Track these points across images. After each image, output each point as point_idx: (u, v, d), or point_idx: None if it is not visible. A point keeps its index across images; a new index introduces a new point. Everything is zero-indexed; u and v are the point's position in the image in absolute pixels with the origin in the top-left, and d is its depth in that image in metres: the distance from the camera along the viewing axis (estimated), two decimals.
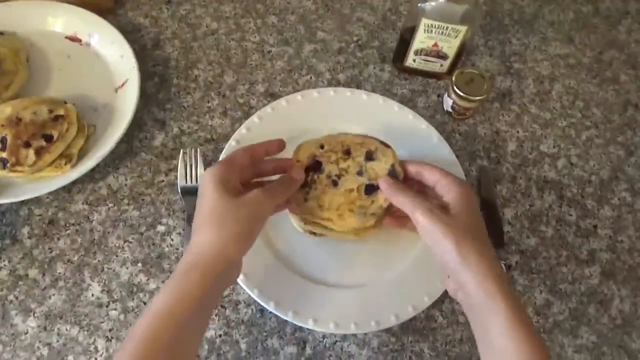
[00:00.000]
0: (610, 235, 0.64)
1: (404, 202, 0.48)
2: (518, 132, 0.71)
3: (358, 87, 0.72)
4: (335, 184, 0.55)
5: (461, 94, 0.65)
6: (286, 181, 0.51)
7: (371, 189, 0.54)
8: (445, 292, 0.57)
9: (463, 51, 0.68)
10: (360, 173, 0.55)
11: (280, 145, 0.53)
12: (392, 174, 0.54)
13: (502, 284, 0.42)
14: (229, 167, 0.47)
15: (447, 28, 0.63)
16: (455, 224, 0.44)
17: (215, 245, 0.42)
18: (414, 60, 0.70)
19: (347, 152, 0.56)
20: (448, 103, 0.68)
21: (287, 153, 0.64)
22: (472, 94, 0.64)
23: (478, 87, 0.65)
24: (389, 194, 0.51)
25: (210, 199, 0.44)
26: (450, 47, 0.66)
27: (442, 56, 0.68)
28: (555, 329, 0.58)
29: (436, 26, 0.64)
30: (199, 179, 0.61)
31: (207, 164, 0.63)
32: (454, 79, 0.65)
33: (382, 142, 0.58)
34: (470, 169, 0.67)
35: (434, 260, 0.58)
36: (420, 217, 0.45)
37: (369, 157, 0.56)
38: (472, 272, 0.42)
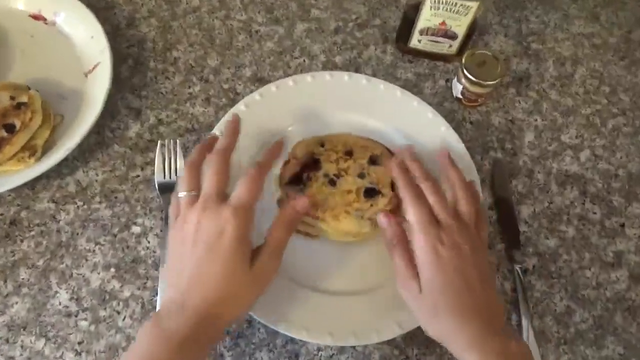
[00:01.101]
0: (639, 235, 0.65)
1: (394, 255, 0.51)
2: (536, 120, 0.71)
3: (357, 70, 0.72)
4: (332, 183, 0.56)
5: (472, 78, 0.65)
6: (290, 221, 0.51)
7: (371, 192, 0.56)
8: None
9: (474, 30, 0.69)
10: (361, 176, 0.56)
11: (281, 145, 0.55)
12: (395, 182, 0.56)
13: (470, 353, 0.45)
14: (251, 218, 0.46)
15: (455, 4, 0.64)
16: (423, 305, 0.48)
17: (228, 320, 0.45)
18: (420, 41, 0.71)
19: (349, 153, 0.58)
20: (457, 88, 0.69)
21: (285, 148, 0.65)
22: (485, 78, 0.65)
23: (491, 70, 0.65)
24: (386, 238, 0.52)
25: (230, 267, 0.44)
26: (459, 25, 0.67)
27: (451, 36, 0.69)
28: (577, 339, 0.59)
29: (444, 2, 0.64)
30: (179, 173, 0.62)
31: (187, 157, 0.64)
32: (463, 61, 0.66)
33: (388, 149, 0.59)
34: (482, 163, 0.67)
35: None
36: (397, 284, 0.50)
37: (373, 161, 0.58)
38: (440, 342, 0.48)
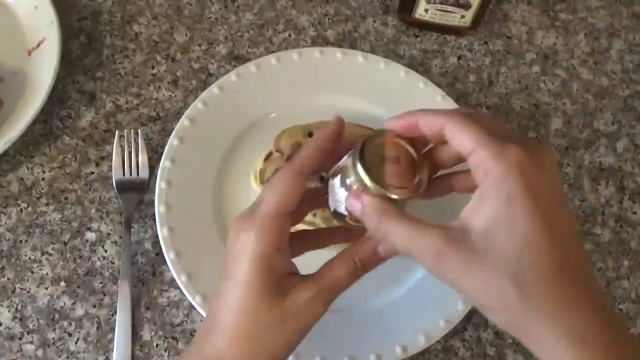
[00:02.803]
0: None
1: (400, 236, 0.39)
2: (565, 104, 0.73)
3: (352, 47, 0.74)
4: (322, 179, 0.57)
5: (367, 180, 0.40)
6: (364, 264, 0.44)
7: None
8: (468, 316, 0.59)
9: None
10: None
11: (340, 124, 0.45)
12: None
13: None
14: (280, 232, 0.42)
15: None
16: (482, 271, 0.36)
17: None
18: (427, 11, 0.72)
19: None
20: (340, 196, 0.43)
21: (267, 140, 0.66)
22: (389, 184, 0.41)
23: (404, 173, 0.42)
24: (372, 222, 0.41)
25: (244, 297, 0.41)
26: None
27: (464, 4, 0.70)
28: None
29: None
30: (141, 170, 0.63)
31: (150, 150, 0.65)
32: (360, 147, 0.42)
33: None
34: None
35: None
36: (424, 263, 0.39)
37: None
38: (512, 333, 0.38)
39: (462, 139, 0.38)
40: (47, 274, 0.60)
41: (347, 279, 0.43)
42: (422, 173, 0.42)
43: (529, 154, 0.36)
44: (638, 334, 0.61)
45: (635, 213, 0.67)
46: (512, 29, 0.77)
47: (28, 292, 0.59)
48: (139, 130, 0.64)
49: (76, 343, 0.57)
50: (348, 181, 0.42)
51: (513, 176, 0.35)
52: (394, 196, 0.40)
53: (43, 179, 0.64)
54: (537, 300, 0.35)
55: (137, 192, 0.63)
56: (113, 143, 0.64)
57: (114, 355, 0.56)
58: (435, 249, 0.37)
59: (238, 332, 0.41)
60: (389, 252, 0.43)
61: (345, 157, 0.43)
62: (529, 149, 0.36)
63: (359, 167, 0.40)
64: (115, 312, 0.58)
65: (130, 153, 0.63)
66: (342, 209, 0.43)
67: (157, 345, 0.58)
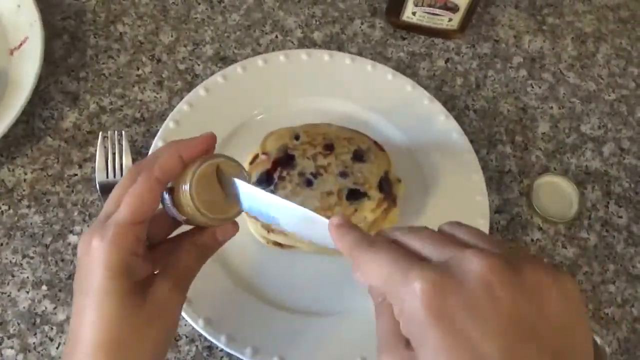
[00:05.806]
0: None
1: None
2: (552, 108, 0.73)
3: (340, 49, 0.74)
4: (309, 183, 0.57)
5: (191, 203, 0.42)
6: (207, 250, 0.46)
7: (356, 194, 0.57)
8: None
9: (479, 1, 0.70)
10: (344, 174, 0.57)
11: (210, 141, 0.44)
12: (384, 183, 0.58)
13: None
14: (132, 239, 0.41)
15: None
16: None
17: None
18: (414, 13, 0.72)
19: (329, 148, 0.59)
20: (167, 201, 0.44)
21: (253, 142, 0.66)
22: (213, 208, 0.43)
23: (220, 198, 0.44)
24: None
25: (108, 306, 0.40)
26: None
27: (451, 7, 0.70)
28: None
29: None
30: (124, 172, 0.62)
31: (135, 152, 0.64)
32: (196, 173, 0.42)
33: (376, 143, 0.61)
34: (489, 157, 0.69)
35: None
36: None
37: (358, 157, 0.59)
38: None
39: (367, 278, 0.38)
40: (28, 277, 0.59)
41: (196, 264, 0.46)
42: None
43: (439, 272, 0.31)
44: (624, 338, 0.62)
45: (621, 217, 0.68)
46: (500, 33, 0.77)
47: (9, 296, 0.59)
48: (123, 132, 0.64)
49: (57, 348, 0.57)
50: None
51: (419, 307, 0.31)
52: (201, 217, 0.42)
53: (25, 180, 0.64)
54: None
55: None
56: (96, 144, 0.64)
57: None
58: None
59: (104, 345, 0.40)
60: (228, 237, 0.46)
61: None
62: (442, 265, 0.32)
63: (188, 185, 0.42)
64: None
65: (114, 155, 0.63)
66: (176, 216, 0.44)
67: None
